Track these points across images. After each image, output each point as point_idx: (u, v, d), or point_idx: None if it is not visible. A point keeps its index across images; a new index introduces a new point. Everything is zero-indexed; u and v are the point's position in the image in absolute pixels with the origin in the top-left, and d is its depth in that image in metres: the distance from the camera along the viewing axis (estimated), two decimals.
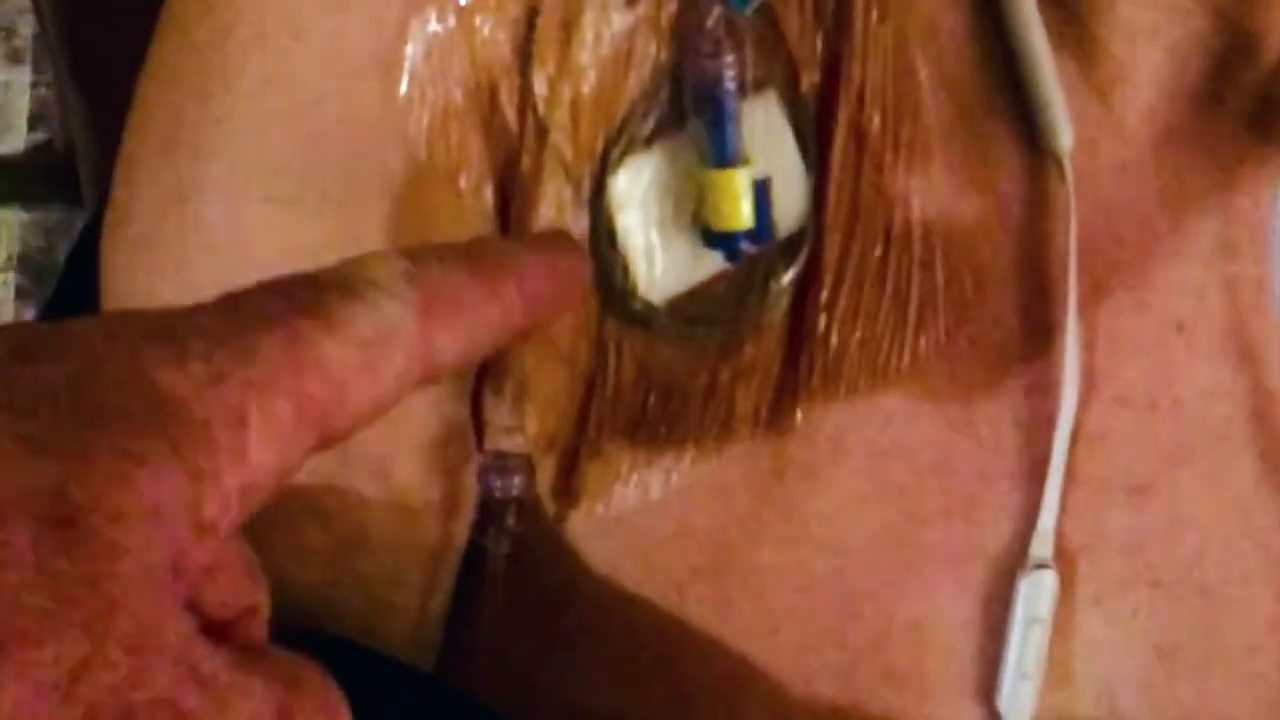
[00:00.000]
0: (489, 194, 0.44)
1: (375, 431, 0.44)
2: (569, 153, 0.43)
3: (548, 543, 0.46)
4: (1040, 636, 0.44)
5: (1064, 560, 0.45)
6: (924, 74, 0.44)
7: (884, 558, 0.45)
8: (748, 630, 0.45)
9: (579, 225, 0.44)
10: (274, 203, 0.43)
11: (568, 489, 0.46)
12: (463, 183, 0.44)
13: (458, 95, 0.43)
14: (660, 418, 0.45)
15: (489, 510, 0.45)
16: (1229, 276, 0.45)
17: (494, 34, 0.43)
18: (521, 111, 0.43)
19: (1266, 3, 0.43)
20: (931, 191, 0.44)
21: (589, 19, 0.42)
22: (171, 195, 0.44)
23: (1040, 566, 0.44)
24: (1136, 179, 0.45)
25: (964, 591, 0.45)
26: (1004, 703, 0.44)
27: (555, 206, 0.44)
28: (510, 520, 0.44)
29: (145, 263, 0.45)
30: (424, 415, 0.44)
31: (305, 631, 0.43)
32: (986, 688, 0.45)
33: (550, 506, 0.46)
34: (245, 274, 0.43)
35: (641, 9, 0.43)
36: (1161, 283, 0.45)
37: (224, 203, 0.43)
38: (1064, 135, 0.43)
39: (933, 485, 0.45)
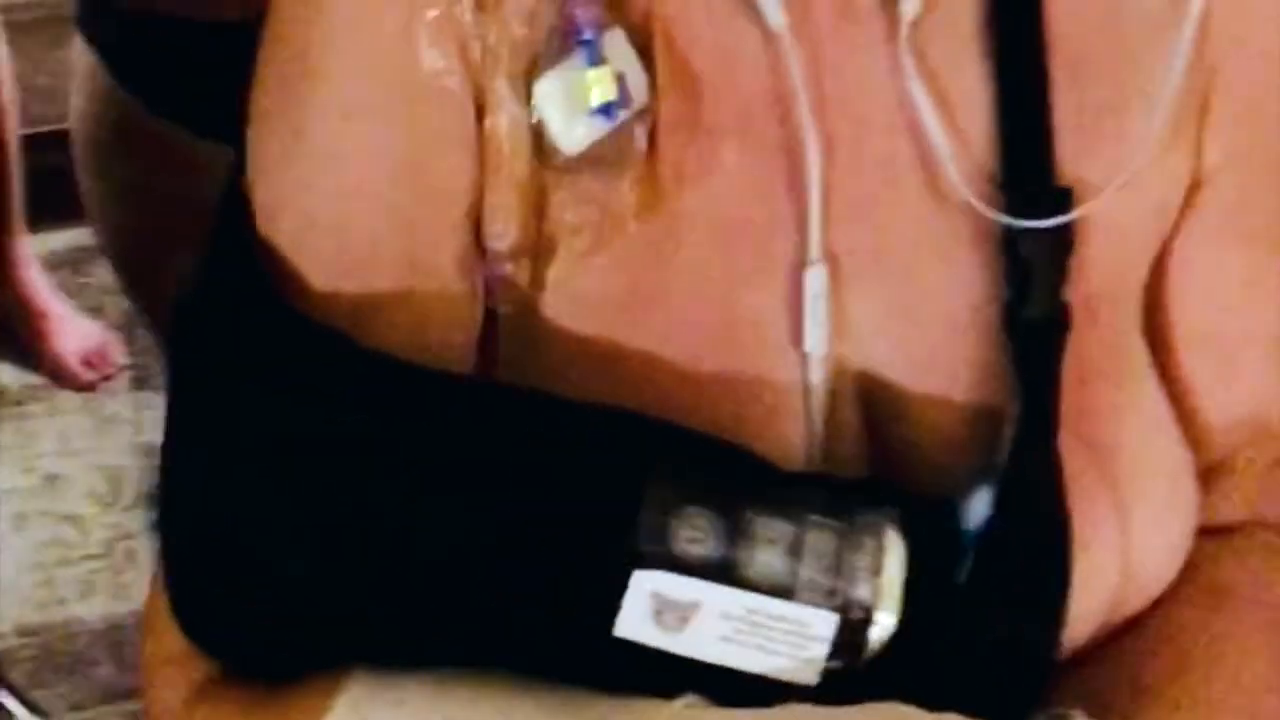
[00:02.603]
0: (468, 97, 0.75)
1: (431, 252, 0.75)
2: (511, 72, 0.74)
3: (527, 313, 0.77)
4: (822, 301, 0.76)
5: (831, 260, 0.76)
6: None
7: (726, 276, 0.76)
8: (647, 336, 0.76)
9: (520, 115, 0.74)
10: (352, 119, 0.74)
11: (535, 277, 0.77)
12: (448, 86, 0.74)
13: (452, 49, 0.74)
14: (585, 222, 0.76)
15: (493, 289, 0.76)
16: (896, 87, 0.76)
17: (460, 16, 0.73)
18: (481, 50, 0.74)
19: None
20: (714, 64, 0.76)
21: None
22: (291, 123, 0.75)
23: (816, 263, 0.76)
24: (827, 40, 0.76)
25: (778, 286, 0.76)
26: (808, 345, 0.76)
27: (505, 102, 0.75)
28: (509, 291, 0.76)
29: (284, 165, 0.76)
30: (457, 238, 0.75)
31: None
32: (797, 341, 0.77)
33: (526, 290, 0.77)
34: (338, 169, 0.75)
35: None
36: (853, 87, 0.76)
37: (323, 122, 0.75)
38: (777, 17, 0.75)
39: (747, 227, 0.76)
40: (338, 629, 0.74)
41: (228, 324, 0.75)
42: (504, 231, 0.76)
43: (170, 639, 0.77)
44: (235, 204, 0.77)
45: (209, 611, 0.75)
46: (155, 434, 0.76)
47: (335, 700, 0.73)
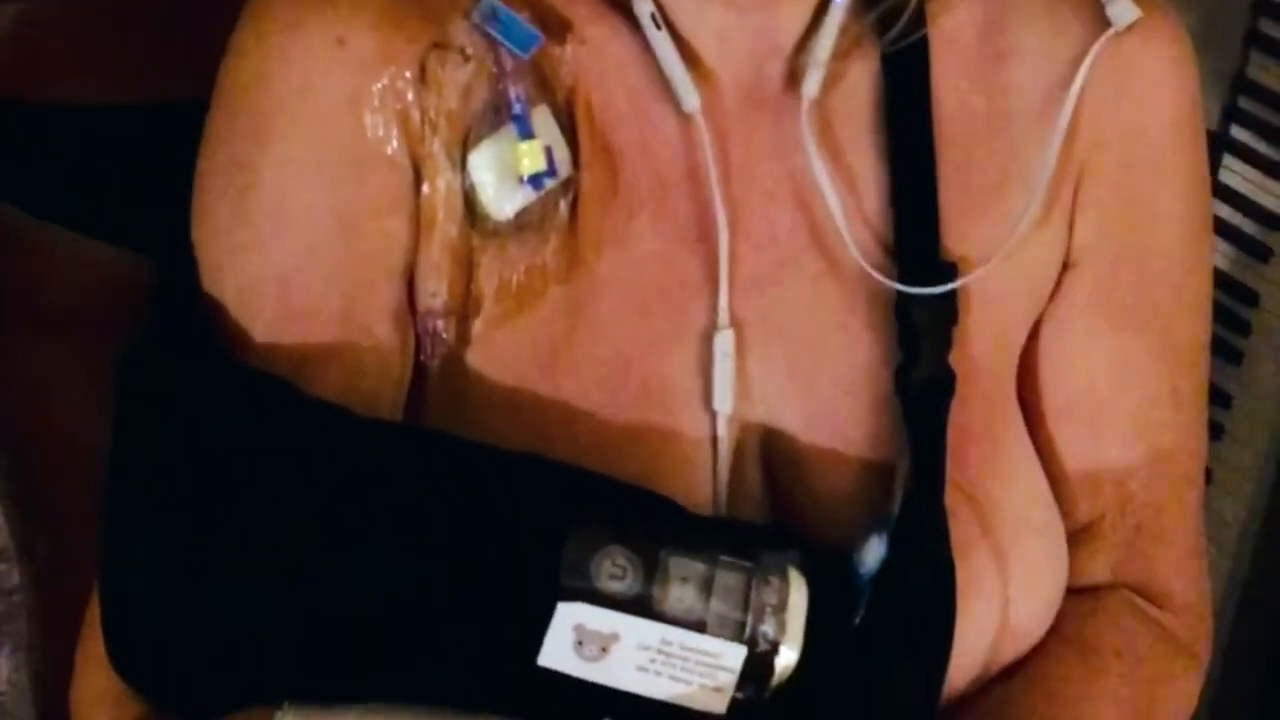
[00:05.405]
0: (407, 163, 0.80)
1: (367, 308, 0.80)
2: (447, 141, 0.80)
3: (453, 367, 0.82)
4: (729, 364, 0.82)
5: (736, 325, 0.83)
6: (611, 76, 0.82)
7: (640, 338, 0.82)
8: (567, 391, 0.82)
9: (455, 181, 0.80)
10: (297, 182, 0.79)
11: (461, 333, 0.82)
12: (389, 152, 0.80)
13: (393, 118, 0.79)
14: (509, 283, 0.81)
15: (425, 343, 0.81)
16: (798, 164, 0.83)
17: (402, 89, 0.79)
18: (420, 120, 0.79)
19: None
20: (631, 141, 0.82)
21: (448, 73, 0.79)
22: (239, 184, 0.80)
23: (724, 328, 0.82)
24: (735, 121, 0.83)
25: (689, 349, 0.82)
26: (716, 404, 0.82)
27: (441, 169, 0.80)
28: (439, 346, 0.81)
29: (230, 223, 0.80)
30: (392, 296, 0.80)
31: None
32: (706, 400, 0.82)
33: (453, 345, 0.82)
34: (282, 228, 0.79)
35: (473, 64, 0.79)
36: (759, 164, 0.83)
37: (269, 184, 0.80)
38: (690, 100, 0.81)
39: (660, 295, 0.82)
40: (269, 667, 0.77)
41: (169, 375, 0.79)
42: (436, 290, 0.81)
43: (102, 679, 0.80)
44: (177, 263, 0.82)
45: (143, 652, 0.79)
46: None
47: None
